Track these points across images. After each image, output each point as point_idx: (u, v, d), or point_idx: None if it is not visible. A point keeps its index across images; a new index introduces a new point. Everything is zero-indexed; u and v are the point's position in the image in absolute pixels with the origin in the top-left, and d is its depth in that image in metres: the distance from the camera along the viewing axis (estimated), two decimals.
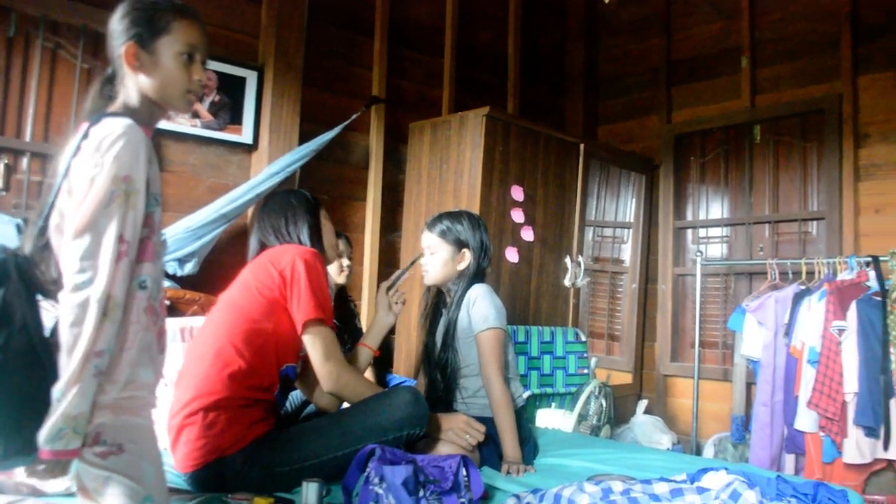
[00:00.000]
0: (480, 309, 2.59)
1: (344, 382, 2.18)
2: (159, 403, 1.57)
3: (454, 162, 3.95)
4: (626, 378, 4.82)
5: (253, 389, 2.06)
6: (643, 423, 4.40)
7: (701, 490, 1.95)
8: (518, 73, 4.91)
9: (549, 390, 3.92)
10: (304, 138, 3.69)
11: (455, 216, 2.77)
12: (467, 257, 2.69)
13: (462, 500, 1.84)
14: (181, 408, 2.01)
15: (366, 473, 1.81)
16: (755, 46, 4.61)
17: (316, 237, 2.36)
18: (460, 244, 2.69)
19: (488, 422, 2.49)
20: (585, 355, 4.15)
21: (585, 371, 4.12)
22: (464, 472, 1.90)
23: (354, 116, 3.91)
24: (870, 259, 3.55)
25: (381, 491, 1.75)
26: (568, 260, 4.22)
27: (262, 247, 2.33)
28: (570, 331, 4.13)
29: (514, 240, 3.97)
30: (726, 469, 2.10)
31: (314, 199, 2.44)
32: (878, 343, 3.41)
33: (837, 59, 4.24)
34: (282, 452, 2.04)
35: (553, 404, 3.80)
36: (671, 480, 2.07)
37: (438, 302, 2.84)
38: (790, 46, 4.47)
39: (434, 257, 2.72)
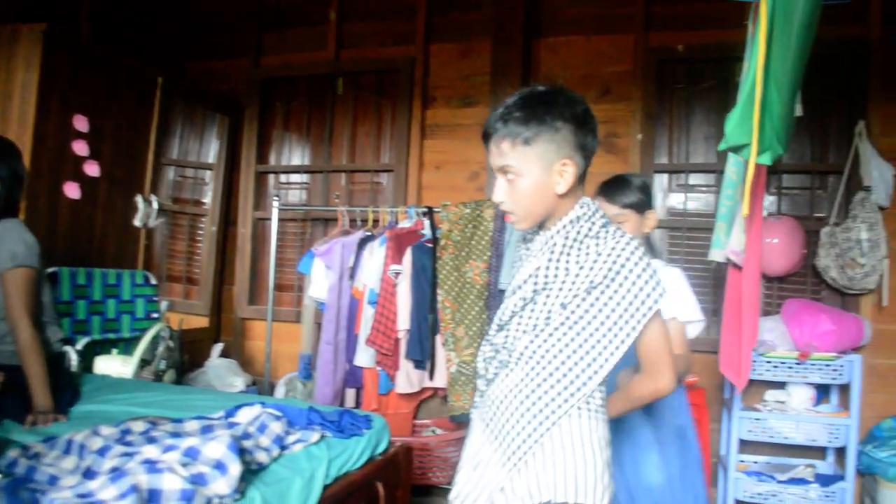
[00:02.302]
0: (7, 245, 2.33)
1: None
2: None
3: (1, 82, 3.46)
4: (202, 322, 4.74)
5: None
6: (217, 367, 4.37)
7: (232, 425, 1.99)
8: None
9: (112, 336, 3.70)
10: None
11: None
12: None
13: None
14: None
15: None
16: (343, 2, 4.74)
17: None
18: None
19: (16, 370, 2.26)
20: (156, 299, 3.99)
21: (156, 315, 3.97)
22: None
23: None
24: (426, 209, 3.91)
25: None
26: (139, 199, 3.99)
27: None
28: (139, 273, 3.94)
29: (76, 174, 3.62)
30: (262, 404, 2.16)
31: None
32: (427, 285, 3.78)
33: (414, 26, 4.55)
34: None
35: (115, 350, 3.60)
36: (206, 418, 2.08)
37: None
38: (374, 7, 4.68)
39: None
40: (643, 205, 2.36)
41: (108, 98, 3.81)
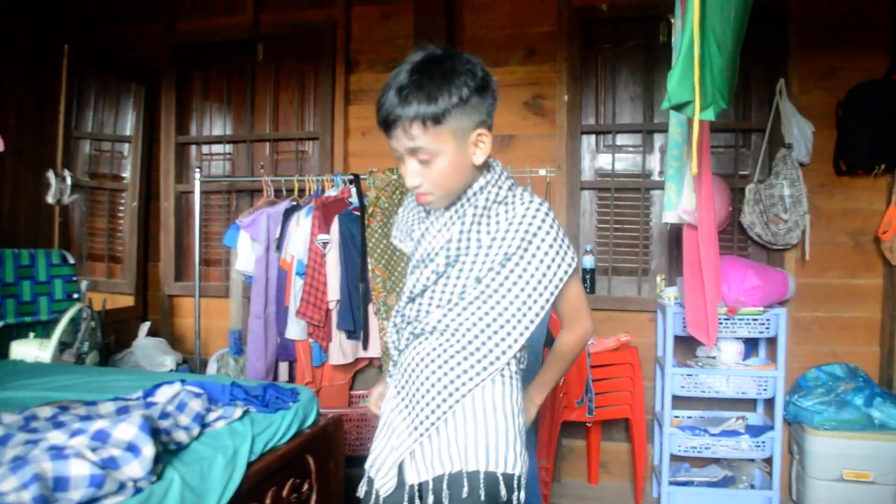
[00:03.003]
0: None
1: None
2: None
3: None
4: (128, 301, 4.59)
5: None
6: (145, 346, 4.24)
7: (150, 405, 1.91)
8: None
9: (29, 319, 3.54)
10: None
11: None
12: None
13: None
14: None
15: None
16: None
17: None
18: None
19: None
20: (75, 279, 3.83)
21: (77, 296, 3.81)
22: None
23: None
24: (352, 177, 3.82)
25: None
26: (51, 174, 3.80)
27: None
28: (55, 253, 3.76)
29: None
30: (182, 381, 2.09)
31: None
32: (357, 254, 3.71)
33: None
34: None
35: (32, 334, 3.45)
36: (122, 399, 2.00)
37: None
38: None
39: None
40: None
41: (9, 68, 3.59)
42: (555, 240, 1.52)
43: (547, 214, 1.53)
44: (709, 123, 2.57)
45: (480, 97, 1.47)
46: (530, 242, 1.51)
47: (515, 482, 1.52)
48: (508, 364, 1.56)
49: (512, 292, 1.52)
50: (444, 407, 1.52)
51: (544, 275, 1.52)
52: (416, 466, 1.55)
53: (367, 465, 1.65)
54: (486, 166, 1.58)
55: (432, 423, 1.52)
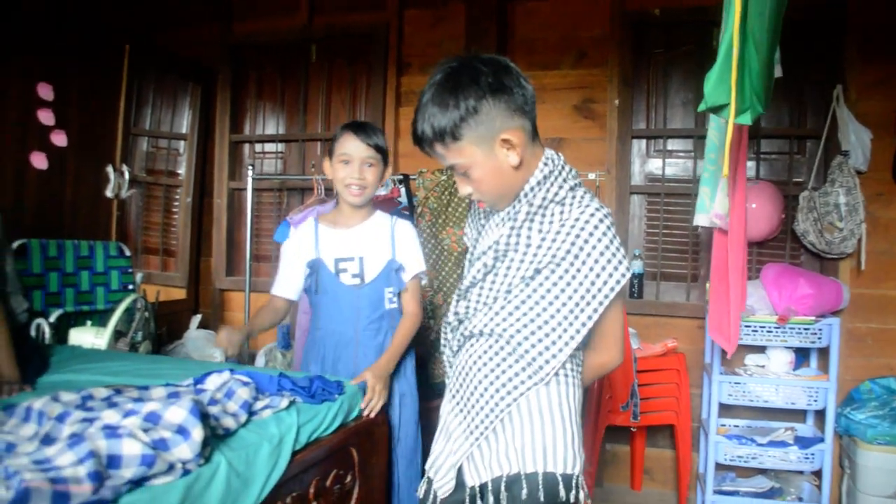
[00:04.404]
0: None
1: None
2: None
3: None
4: (181, 293, 4.70)
5: None
6: (196, 338, 4.33)
7: (199, 391, 1.96)
8: None
9: (86, 308, 3.66)
10: None
11: None
12: None
13: None
14: None
15: None
16: None
17: None
18: None
19: None
20: (130, 270, 3.93)
21: (132, 287, 3.92)
22: None
23: None
24: (402, 177, 3.86)
25: None
26: (111, 170, 3.92)
27: None
28: (112, 245, 3.87)
29: (43, 144, 3.54)
30: (231, 371, 2.13)
31: None
32: None
33: None
34: None
35: (90, 322, 3.55)
36: (173, 385, 2.05)
37: None
38: None
39: None
40: (387, 155, 2.50)
41: (73, 66, 3.71)
42: (606, 248, 1.47)
43: (601, 221, 1.49)
44: (746, 128, 2.53)
45: (493, 101, 1.44)
46: (581, 248, 1.47)
47: (574, 482, 1.50)
48: (563, 365, 1.54)
49: (559, 300, 1.48)
50: (496, 411, 1.51)
51: (593, 283, 1.47)
52: (474, 468, 1.55)
53: (426, 466, 1.67)
54: (541, 159, 1.55)
55: (486, 427, 1.52)
